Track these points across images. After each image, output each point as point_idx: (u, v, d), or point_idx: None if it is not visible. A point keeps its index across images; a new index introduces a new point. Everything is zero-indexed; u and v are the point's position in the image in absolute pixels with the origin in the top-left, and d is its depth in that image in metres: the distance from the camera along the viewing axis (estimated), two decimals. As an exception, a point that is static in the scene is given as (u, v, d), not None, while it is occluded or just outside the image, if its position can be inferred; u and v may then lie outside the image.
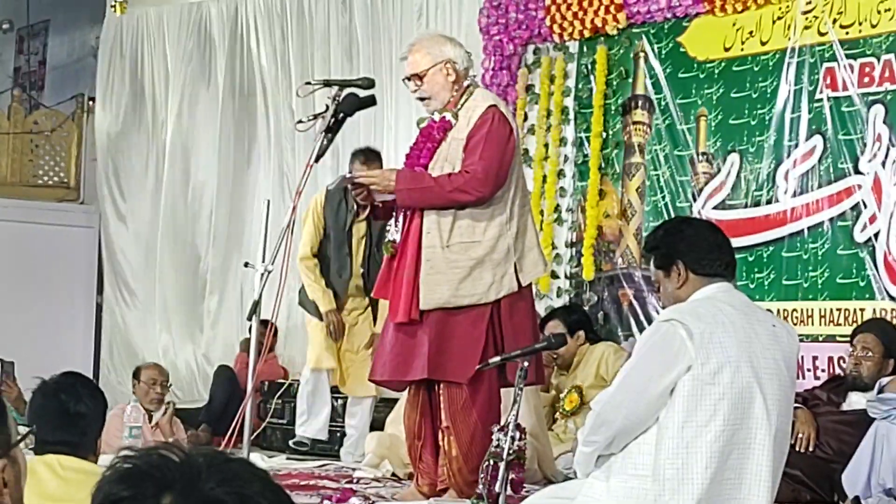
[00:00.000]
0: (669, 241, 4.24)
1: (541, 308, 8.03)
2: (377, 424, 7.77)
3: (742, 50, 7.90)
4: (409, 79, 5.91)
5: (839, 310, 7.31)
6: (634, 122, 8.42)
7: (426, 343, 5.72)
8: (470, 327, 5.71)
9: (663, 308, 4.26)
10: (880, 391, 5.72)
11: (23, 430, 2.17)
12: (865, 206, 7.25)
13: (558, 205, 8.75)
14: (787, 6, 7.69)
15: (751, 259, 7.57)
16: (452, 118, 5.82)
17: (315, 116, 5.34)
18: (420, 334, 5.76)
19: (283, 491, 1.54)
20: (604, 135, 8.54)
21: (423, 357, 5.71)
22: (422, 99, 5.94)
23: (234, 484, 1.49)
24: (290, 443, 8.27)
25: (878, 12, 7.31)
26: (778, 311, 7.34)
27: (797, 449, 6.17)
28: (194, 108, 11.41)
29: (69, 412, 3.60)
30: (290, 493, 1.57)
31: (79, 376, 3.79)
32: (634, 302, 8.26)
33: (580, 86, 8.70)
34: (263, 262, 5.12)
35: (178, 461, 1.49)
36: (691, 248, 4.18)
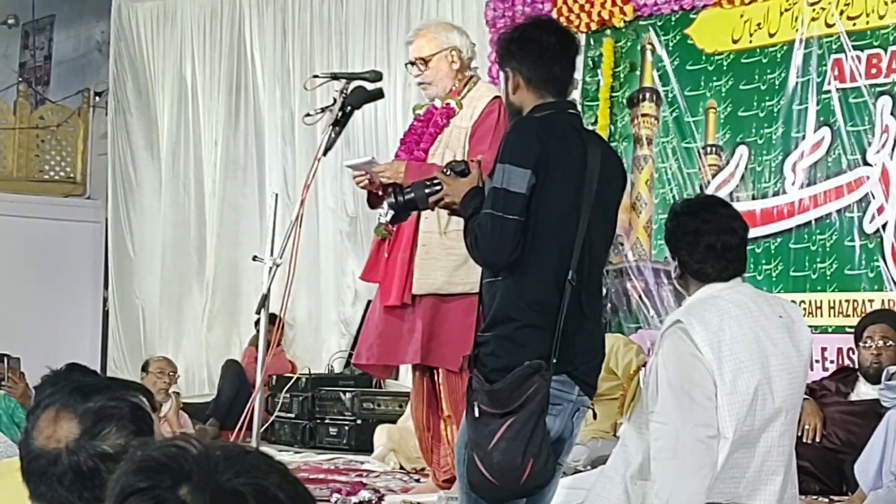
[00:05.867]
0: (676, 241, 4.15)
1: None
2: (389, 417, 7.76)
3: (750, 42, 7.88)
4: (412, 63, 5.92)
5: (847, 301, 7.30)
6: (642, 115, 8.41)
7: (419, 328, 5.70)
8: (463, 316, 5.59)
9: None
10: (889, 378, 5.71)
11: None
12: (873, 198, 7.24)
13: (567, 197, 8.72)
14: (795, -3, 7.69)
15: (759, 251, 7.55)
16: (456, 106, 5.82)
17: (323, 110, 5.32)
18: (411, 319, 5.74)
19: (300, 483, 1.54)
20: (611, 127, 8.53)
21: (416, 342, 5.69)
22: (422, 84, 5.95)
23: (252, 475, 1.48)
24: None
25: (886, 3, 7.29)
26: (786, 302, 7.33)
27: (804, 440, 6.16)
28: (198, 101, 11.40)
29: None
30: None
31: (82, 368, 3.77)
32: (643, 295, 8.25)
33: (587, 78, 8.67)
34: (272, 255, 5.09)
35: (195, 452, 1.48)
36: (692, 252, 4.09)
